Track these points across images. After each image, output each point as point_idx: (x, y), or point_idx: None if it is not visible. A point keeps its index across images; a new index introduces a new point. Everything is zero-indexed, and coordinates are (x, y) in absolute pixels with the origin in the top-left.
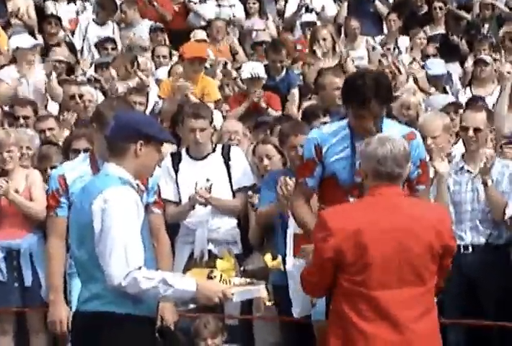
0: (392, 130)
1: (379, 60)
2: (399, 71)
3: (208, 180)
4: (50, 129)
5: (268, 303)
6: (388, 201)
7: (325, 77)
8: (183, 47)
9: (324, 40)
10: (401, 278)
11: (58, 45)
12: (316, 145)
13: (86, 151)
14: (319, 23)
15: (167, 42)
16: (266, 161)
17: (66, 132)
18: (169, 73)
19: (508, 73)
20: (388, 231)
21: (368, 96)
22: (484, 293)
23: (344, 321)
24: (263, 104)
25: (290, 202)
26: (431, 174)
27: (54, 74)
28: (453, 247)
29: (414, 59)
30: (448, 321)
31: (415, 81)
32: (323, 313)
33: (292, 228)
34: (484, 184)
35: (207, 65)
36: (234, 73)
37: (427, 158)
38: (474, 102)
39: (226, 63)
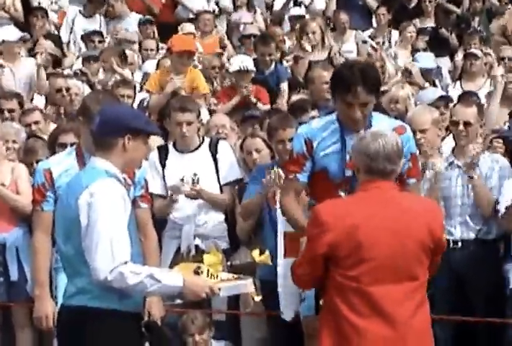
0: (382, 123)
1: (368, 54)
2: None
3: (195, 175)
4: (36, 122)
5: (257, 298)
6: (381, 196)
7: (314, 71)
8: (171, 40)
9: (313, 33)
10: (395, 273)
11: (45, 37)
12: (306, 139)
13: (73, 145)
14: (307, 16)
15: (156, 35)
16: (255, 155)
17: (52, 126)
18: (157, 67)
19: (501, 75)
20: (382, 226)
21: (355, 82)
22: (473, 288)
23: (337, 316)
24: (253, 99)
25: (280, 198)
26: (429, 174)
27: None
28: (444, 243)
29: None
30: (437, 317)
31: (409, 75)
32: (312, 308)
33: (282, 226)
34: (470, 178)
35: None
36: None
37: (418, 152)
38: (467, 97)
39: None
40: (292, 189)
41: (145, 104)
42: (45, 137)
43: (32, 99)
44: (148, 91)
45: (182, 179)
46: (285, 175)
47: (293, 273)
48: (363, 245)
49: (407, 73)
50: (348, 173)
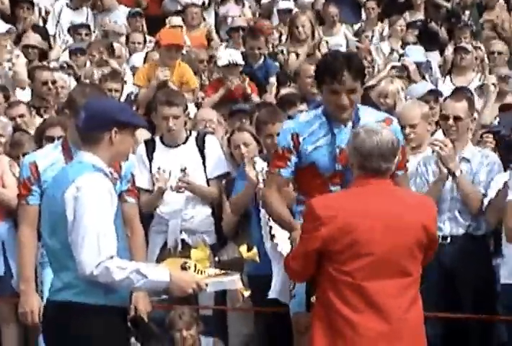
0: (369, 116)
1: (357, 47)
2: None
3: (185, 168)
4: (21, 116)
5: (246, 294)
6: (376, 192)
7: (300, 64)
8: (160, 33)
9: (303, 26)
10: (389, 269)
11: (31, 30)
12: (293, 134)
13: (60, 138)
14: (296, 10)
15: (144, 28)
16: (243, 149)
17: (38, 120)
18: (145, 60)
19: (493, 84)
20: (377, 222)
21: (340, 69)
22: (463, 283)
23: (330, 311)
24: (248, 90)
25: (262, 192)
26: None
27: (22, 60)
28: (437, 240)
29: (392, 50)
30: (429, 315)
31: (407, 71)
32: (302, 305)
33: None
34: (452, 174)
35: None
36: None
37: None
38: (458, 92)
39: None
40: (275, 183)
41: (132, 97)
42: (30, 130)
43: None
44: (136, 85)
45: (170, 174)
46: (268, 170)
47: (287, 266)
48: (358, 240)
49: (404, 69)
50: (338, 167)
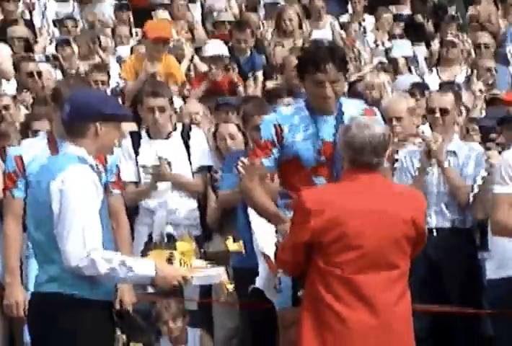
0: (351, 107)
1: (343, 40)
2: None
3: (160, 158)
4: (6, 107)
5: (230, 288)
6: (366, 186)
7: (284, 57)
8: (146, 26)
9: (290, 20)
10: (378, 262)
11: (16, 22)
12: (276, 126)
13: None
14: (282, 2)
15: (132, 21)
16: (229, 141)
17: (23, 111)
18: (131, 52)
19: (480, 91)
20: (367, 215)
21: (324, 59)
22: (448, 276)
23: (319, 305)
24: (235, 79)
25: (242, 184)
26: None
27: (7, 52)
28: (426, 233)
29: (378, 43)
30: (417, 307)
31: (397, 65)
32: (288, 300)
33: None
34: (441, 166)
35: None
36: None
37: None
38: (446, 86)
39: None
40: (256, 174)
41: (118, 90)
42: (15, 122)
43: None
44: (122, 78)
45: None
46: (249, 160)
47: (277, 259)
48: (347, 233)
49: (390, 64)
50: (322, 159)
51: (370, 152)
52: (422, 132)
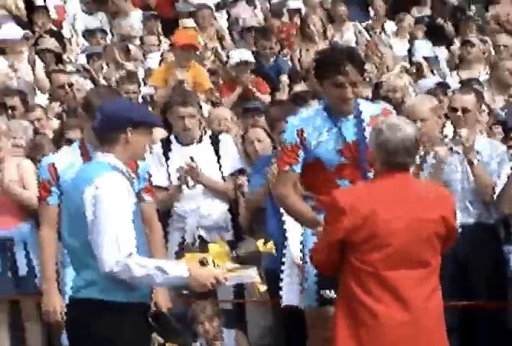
0: (369, 108)
1: (366, 45)
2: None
3: (192, 159)
4: (38, 119)
5: (262, 289)
6: (397, 185)
7: (309, 62)
8: (175, 34)
9: (314, 25)
10: (409, 260)
11: (47, 35)
12: (298, 129)
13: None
14: (305, 9)
15: (160, 30)
16: (257, 145)
17: (55, 122)
18: (161, 61)
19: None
20: (398, 213)
21: (344, 62)
22: (475, 271)
23: (352, 301)
24: (250, 86)
25: (276, 191)
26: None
27: (40, 65)
28: (457, 230)
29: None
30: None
31: (421, 68)
32: (313, 299)
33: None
34: (470, 163)
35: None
36: (224, 58)
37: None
38: (467, 84)
39: (215, 49)
40: (290, 181)
41: (148, 98)
42: (47, 133)
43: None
44: (153, 86)
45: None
46: (279, 167)
47: (312, 258)
48: (379, 232)
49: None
50: (344, 160)
51: (403, 153)
52: (446, 137)
